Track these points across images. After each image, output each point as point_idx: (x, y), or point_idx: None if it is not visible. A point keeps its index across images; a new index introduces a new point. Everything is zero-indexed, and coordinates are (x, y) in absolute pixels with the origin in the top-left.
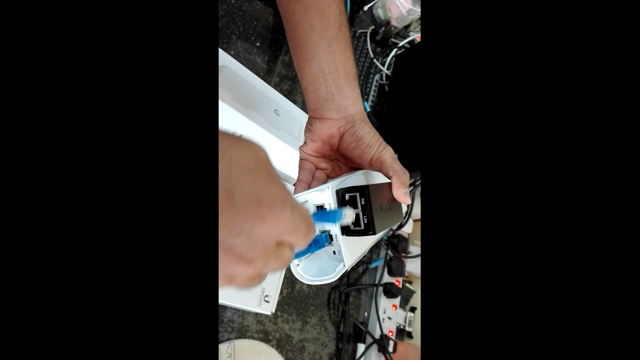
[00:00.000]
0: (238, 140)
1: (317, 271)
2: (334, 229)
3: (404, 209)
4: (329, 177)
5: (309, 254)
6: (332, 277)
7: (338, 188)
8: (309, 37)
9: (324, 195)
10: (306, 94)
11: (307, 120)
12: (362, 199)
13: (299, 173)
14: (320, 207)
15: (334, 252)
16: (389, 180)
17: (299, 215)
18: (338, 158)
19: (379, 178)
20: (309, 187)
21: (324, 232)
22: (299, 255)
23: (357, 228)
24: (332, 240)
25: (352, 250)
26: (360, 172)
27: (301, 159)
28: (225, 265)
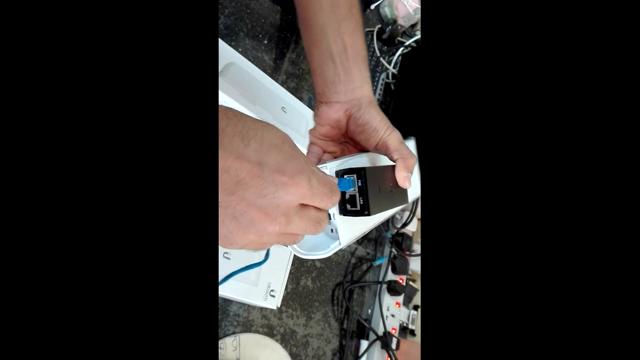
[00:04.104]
0: (267, 124)
1: (311, 246)
2: (333, 208)
3: (410, 194)
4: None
5: None
6: (325, 253)
7: (338, 169)
8: (319, 18)
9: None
10: (314, 77)
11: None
12: (360, 181)
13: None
14: None
15: (332, 231)
16: (394, 164)
17: (319, 181)
18: (347, 141)
19: (385, 161)
20: None
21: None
22: None
23: (353, 208)
24: (330, 218)
25: (349, 229)
26: (365, 154)
27: (310, 143)
28: (257, 222)
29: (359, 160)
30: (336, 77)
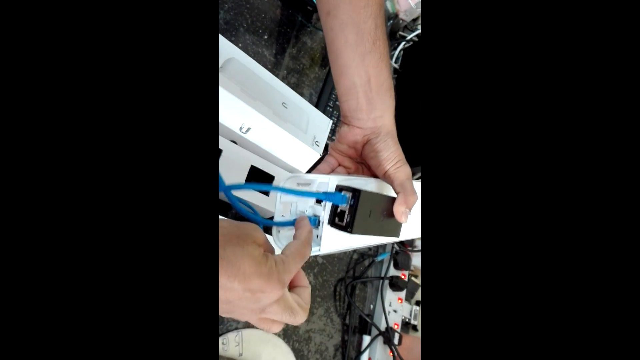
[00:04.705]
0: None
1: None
2: (324, 216)
3: (407, 233)
4: (348, 175)
5: (284, 226)
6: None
7: (339, 183)
8: (344, 52)
9: (327, 184)
10: (340, 104)
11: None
12: (353, 200)
13: (320, 164)
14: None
15: (317, 237)
16: (395, 196)
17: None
18: (362, 162)
19: (390, 191)
20: None
21: (315, 215)
22: (283, 224)
23: (339, 222)
24: (319, 225)
25: (332, 240)
26: (375, 179)
27: (328, 154)
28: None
29: (364, 183)
30: (359, 106)
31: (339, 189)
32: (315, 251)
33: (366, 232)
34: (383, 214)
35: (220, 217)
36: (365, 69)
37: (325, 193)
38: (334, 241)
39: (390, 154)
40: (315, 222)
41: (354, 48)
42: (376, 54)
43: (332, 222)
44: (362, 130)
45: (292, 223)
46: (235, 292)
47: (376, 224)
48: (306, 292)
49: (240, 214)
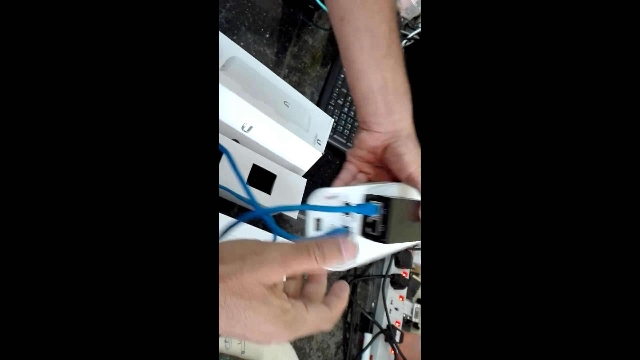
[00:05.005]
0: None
1: None
2: (355, 227)
3: None
4: (369, 182)
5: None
6: (340, 267)
7: (368, 193)
8: (360, 57)
9: (354, 195)
10: (357, 109)
11: (357, 128)
12: (385, 209)
13: (340, 172)
14: (346, 204)
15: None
16: (419, 199)
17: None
18: (382, 167)
19: (413, 194)
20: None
21: (345, 227)
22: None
23: (372, 233)
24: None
25: (366, 250)
26: (396, 184)
27: (347, 161)
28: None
29: (389, 189)
30: (377, 110)
31: (368, 198)
32: (350, 263)
33: (399, 240)
34: (411, 219)
35: (233, 241)
36: (382, 73)
37: (357, 206)
38: (367, 251)
39: (413, 157)
40: (345, 233)
41: (369, 53)
42: (392, 58)
43: (364, 233)
44: (382, 135)
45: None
46: (234, 334)
47: (406, 230)
48: (340, 304)
49: (281, 236)
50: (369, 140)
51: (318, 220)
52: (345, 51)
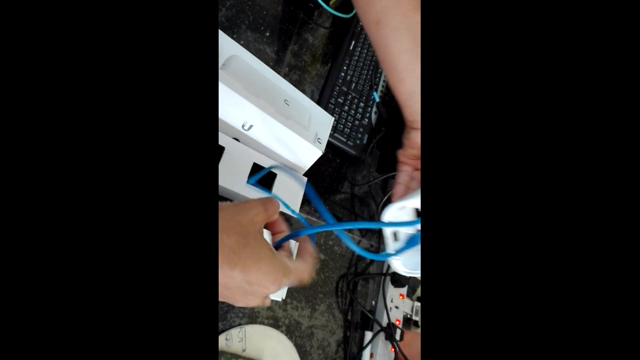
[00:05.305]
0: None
1: (415, 265)
2: None
3: None
4: None
5: (405, 251)
6: (419, 273)
7: None
8: (401, 58)
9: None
10: (403, 109)
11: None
12: None
13: (397, 176)
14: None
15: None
16: None
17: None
18: None
19: None
20: (407, 189)
21: (419, 230)
22: (397, 252)
23: None
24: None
25: None
26: None
27: (399, 162)
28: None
29: None
30: None
31: None
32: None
33: None
34: None
35: (226, 202)
36: None
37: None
38: None
39: None
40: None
41: (410, 52)
42: None
43: None
44: None
45: (403, 250)
46: (234, 280)
47: None
48: (310, 258)
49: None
50: (420, 138)
51: (395, 232)
52: (383, 54)
